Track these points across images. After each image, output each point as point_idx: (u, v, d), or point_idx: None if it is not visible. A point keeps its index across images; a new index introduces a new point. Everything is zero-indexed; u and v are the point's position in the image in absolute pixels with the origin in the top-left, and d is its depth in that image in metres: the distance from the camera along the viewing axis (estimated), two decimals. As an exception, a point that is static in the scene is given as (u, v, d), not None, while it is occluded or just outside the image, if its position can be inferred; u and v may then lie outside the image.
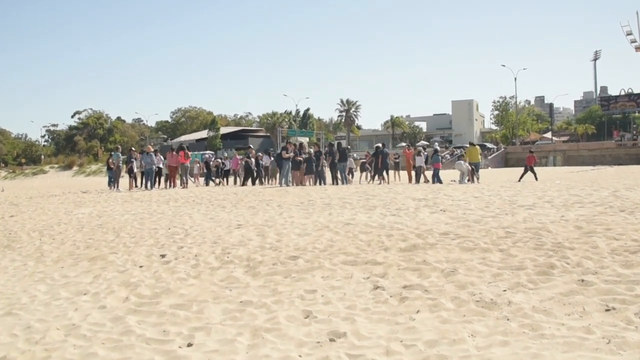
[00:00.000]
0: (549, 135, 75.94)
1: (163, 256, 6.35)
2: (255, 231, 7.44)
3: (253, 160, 21.01)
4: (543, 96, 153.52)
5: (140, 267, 5.97)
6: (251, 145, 27.54)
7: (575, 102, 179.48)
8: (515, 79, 64.65)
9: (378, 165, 18.95)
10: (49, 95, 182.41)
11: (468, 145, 21.01)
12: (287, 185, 16.91)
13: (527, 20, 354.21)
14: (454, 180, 18.53)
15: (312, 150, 18.92)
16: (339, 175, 18.35)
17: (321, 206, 9.79)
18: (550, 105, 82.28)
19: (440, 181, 17.81)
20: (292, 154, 17.00)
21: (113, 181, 19.25)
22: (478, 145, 23.57)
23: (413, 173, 19.42)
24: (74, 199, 14.88)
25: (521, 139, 68.02)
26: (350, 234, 6.67)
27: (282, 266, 5.45)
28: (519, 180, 17.78)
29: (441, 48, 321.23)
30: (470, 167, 18.31)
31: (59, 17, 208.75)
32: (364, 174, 23.19)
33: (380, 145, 19.97)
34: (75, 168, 53.23)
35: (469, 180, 18.02)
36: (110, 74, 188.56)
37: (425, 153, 19.15)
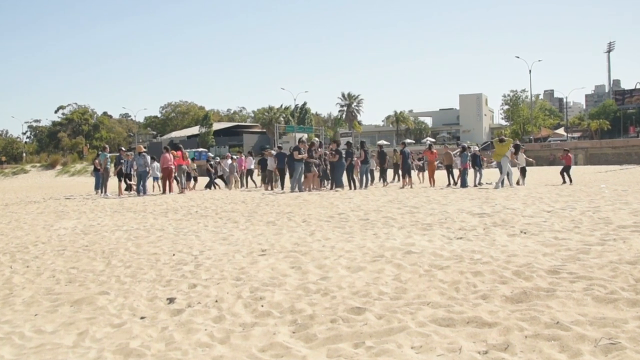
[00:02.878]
0: (560, 131, 72.97)
1: (171, 301, 4.75)
2: (287, 261, 5.82)
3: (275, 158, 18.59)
4: (552, 90, 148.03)
5: (142, 318, 4.40)
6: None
7: (587, 96, 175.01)
8: (530, 71, 63.40)
9: (399, 166, 17.37)
10: (31, 89, 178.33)
11: (505, 141, 16.70)
12: (300, 191, 15.22)
13: (536, 11, 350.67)
14: (489, 183, 16.92)
15: (321, 151, 17.21)
16: (356, 179, 16.75)
17: (358, 223, 8.16)
18: (561, 99, 79.70)
19: (465, 184, 16.36)
20: (305, 155, 15.19)
21: (100, 185, 17.50)
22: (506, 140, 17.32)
23: (435, 175, 17.87)
24: (55, 207, 13.12)
25: (532, 135, 65.09)
26: (419, 268, 5.05)
27: (346, 325, 3.85)
28: (570, 183, 16.20)
29: (447, 39, 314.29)
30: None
31: (42, 7, 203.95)
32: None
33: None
34: (58, 167, 51.03)
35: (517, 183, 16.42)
36: (96, 67, 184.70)
37: (467, 153, 17.14)
